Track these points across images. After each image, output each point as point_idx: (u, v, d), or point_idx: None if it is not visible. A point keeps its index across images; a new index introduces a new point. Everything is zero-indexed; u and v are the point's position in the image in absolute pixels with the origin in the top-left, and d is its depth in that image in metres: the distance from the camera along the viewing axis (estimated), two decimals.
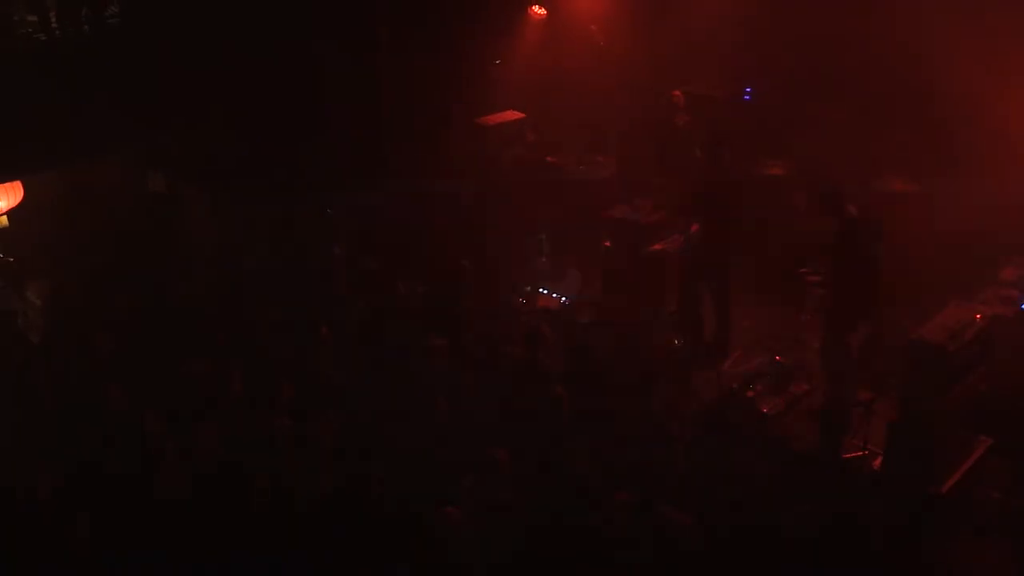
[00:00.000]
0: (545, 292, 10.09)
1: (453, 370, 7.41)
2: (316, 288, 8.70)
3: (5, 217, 9.26)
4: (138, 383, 7.10)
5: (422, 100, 9.75)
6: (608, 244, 9.75)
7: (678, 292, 9.12)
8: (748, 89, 11.28)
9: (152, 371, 7.32)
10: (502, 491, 5.85)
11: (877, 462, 7.02)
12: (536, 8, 11.54)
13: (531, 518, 5.66)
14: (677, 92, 10.73)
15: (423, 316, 8.24)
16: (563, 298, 10.02)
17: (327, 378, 7.30)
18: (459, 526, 5.41)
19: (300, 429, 6.51)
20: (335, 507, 5.85)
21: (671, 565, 5.28)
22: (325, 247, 8.98)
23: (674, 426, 6.62)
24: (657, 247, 9.09)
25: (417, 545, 5.46)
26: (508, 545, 5.51)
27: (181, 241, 9.82)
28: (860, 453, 7.01)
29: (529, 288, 10.11)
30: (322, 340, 7.56)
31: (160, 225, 9.76)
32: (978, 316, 7.18)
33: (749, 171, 10.32)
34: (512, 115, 10.97)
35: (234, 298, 8.71)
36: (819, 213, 7.88)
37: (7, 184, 8.85)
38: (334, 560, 5.50)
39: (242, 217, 9.36)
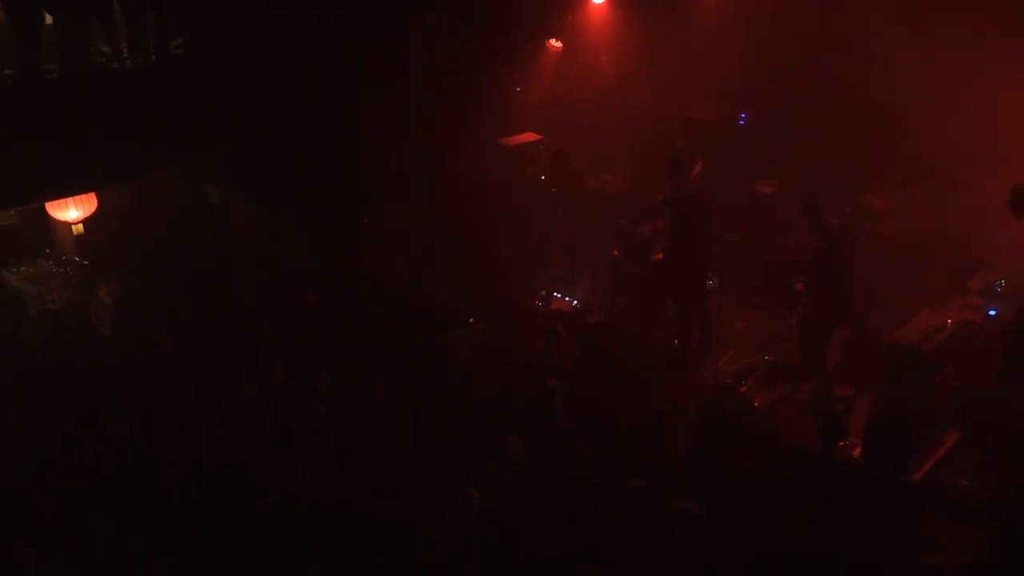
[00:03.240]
0: (559, 296, 10.13)
1: (471, 364, 7.43)
2: (344, 290, 8.72)
3: (81, 225, 9.37)
4: (194, 373, 7.15)
5: (450, 122, 9.80)
6: (617, 253, 9.80)
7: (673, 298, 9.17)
8: (743, 115, 11.29)
9: (205, 361, 7.34)
10: (514, 477, 5.86)
11: (857, 451, 7.03)
12: (553, 41, 11.58)
13: (539, 505, 5.60)
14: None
15: (446, 316, 8.26)
16: (575, 301, 10.06)
17: (350, 374, 7.27)
18: (478, 508, 5.38)
19: (334, 419, 6.52)
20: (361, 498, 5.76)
21: (676, 546, 5.28)
22: (361, 254, 9.04)
23: (674, 418, 6.62)
24: (659, 256, 9.12)
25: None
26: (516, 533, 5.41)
27: (230, 246, 9.89)
28: (842, 443, 7.02)
29: (545, 292, 10.16)
30: (338, 339, 7.55)
31: (212, 231, 9.84)
32: (949, 321, 7.21)
33: (739, 189, 10.38)
34: (531, 136, 11.02)
35: (273, 296, 8.76)
36: (802, 226, 7.92)
37: (83, 196, 8.98)
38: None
39: (285, 225, 9.43)
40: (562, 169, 10.98)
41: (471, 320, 8.08)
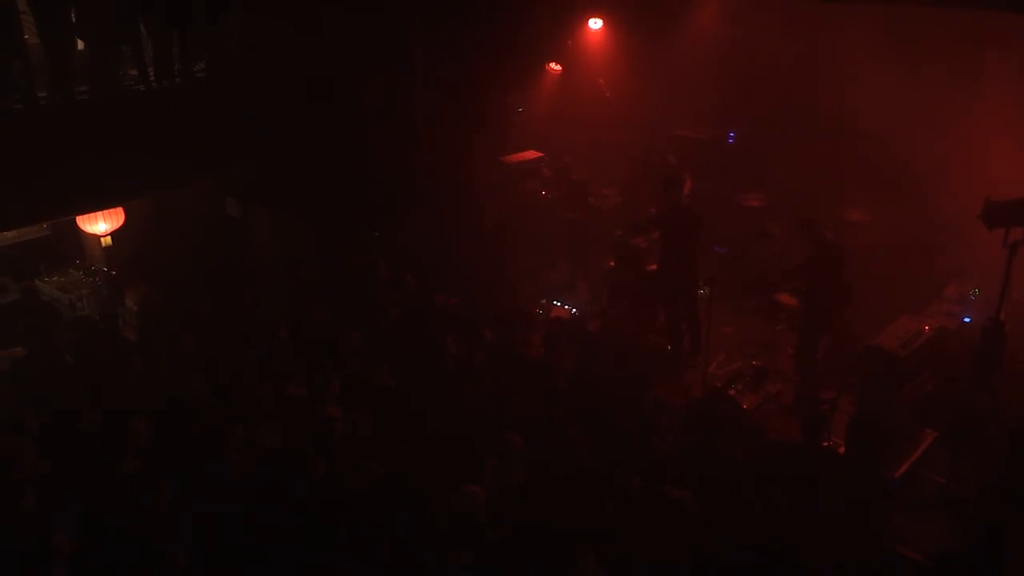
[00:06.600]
0: (558, 304, 10.17)
1: (477, 366, 7.44)
2: (359, 297, 8.74)
3: (109, 237, 9.43)
4: (215, 374, 7.15)
5: (456, 141, 9.86)
6: (612, 263, 9.84)
7: (663, 306, 9.22)
8: (731, 133, 11.37)
9: (225, 364, 7.33)
10: (517, 472, 5.85)
11: (841, 450, 7.03)
12: (553, 65, 11.66)
13: (541, 496, 5.57)
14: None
15: (453, 322, 8.30)
16: (573, 309, 10.11)
17: (364, 376, 7.24)
18: (482, 503, 5.36)
19: (346, 419, 6.49)
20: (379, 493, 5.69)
21: (670, 533, 5.32)
22: (370, 264, 9.08)
23: (664, 418, 6.65)
24: (653, 266, 9.17)
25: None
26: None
27: (248, 256, 9.94)
28: (826, 443, 7.04)
29: (545, 300, 10.20)
30: (354, 343, 7.54)
31: (232, 243, 9.92)
32: (926, 327, 7.24)
33: (728, 203, 10.45)
34: (532, 154, 11.09)
35: (290, 304, 8.79)
36: (798, 238, 7.96)
37: (112, 210, 9.05)
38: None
39: (299, 237, 9.50)
40: (564, 180, 11.07)
41: (479, 328, 8.11)
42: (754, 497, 5.72)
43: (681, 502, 5.48)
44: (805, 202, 9.00)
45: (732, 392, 8.18)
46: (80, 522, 5.31)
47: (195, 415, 6.50)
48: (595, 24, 11.37)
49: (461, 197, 10.08)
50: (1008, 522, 5.65)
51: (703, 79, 10.79)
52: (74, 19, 7.53)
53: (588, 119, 11.84)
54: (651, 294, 9.28)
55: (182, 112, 8.26)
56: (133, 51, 7.99)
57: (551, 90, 11.70)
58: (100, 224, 9.09)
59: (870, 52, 8.94)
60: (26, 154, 7.28)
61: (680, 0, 10.88)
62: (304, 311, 8.35)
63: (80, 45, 7.72)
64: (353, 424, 6.40)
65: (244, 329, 8.03)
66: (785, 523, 5.55)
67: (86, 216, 8.97)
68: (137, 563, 5.00)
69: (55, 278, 9.85)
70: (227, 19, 8.34)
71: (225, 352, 7.54)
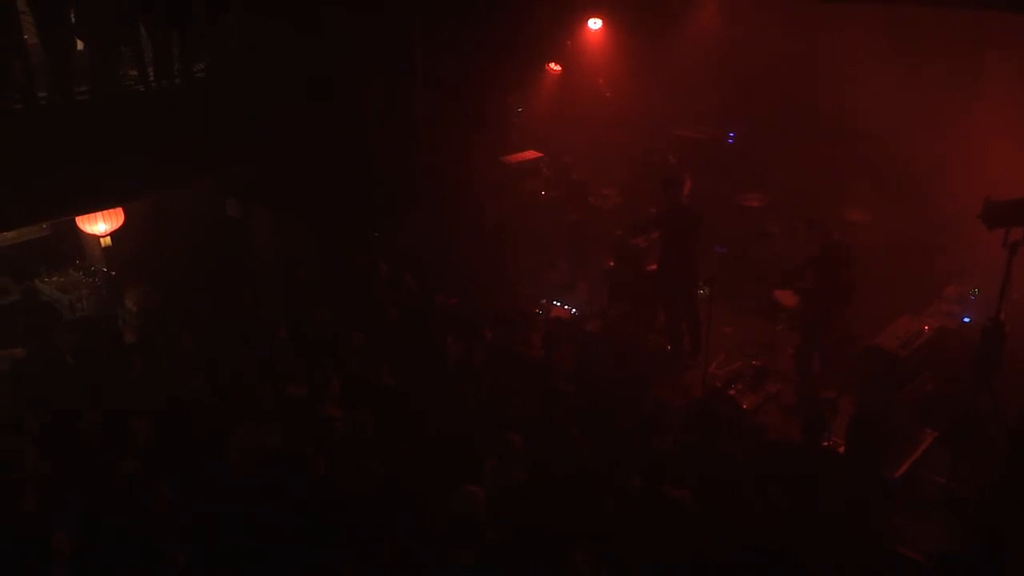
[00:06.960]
0: (558, 304, 10.18)
1: (477, 366, 7.44)
2: (359, 297, 8.74)
3: (109, 237, 9.43)
4: (215, 374, 7.16)
5: (456, 141, 9.87)
6: (612, 263, 9.85)
7: (663, 306, 9.22)
8: (731, 133, 11.38)
9: (225, 364, 7.31)
10: (517, 472, 5.85)
11: (841, 451, 7.03)
12: (553, 65, 11.66)
13: (541, 496, 5.56)
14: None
15: (453, 322, 8.31)
16: (573, 309, 10.11)
17: (364, 376, 7.22)
18: (482, 503, 5.35)
19: (346, 419, 6.47)
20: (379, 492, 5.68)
21: (670, 533, 5.32)
22: (370, 264, 9.08)
23: (664, 418, 6.64)
24: (653, 267, 9.17)
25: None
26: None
27: (248, 256, 9.94)
28: (826, 443, 7.04)
29: (545, 300, 10.20)
30: (354, 343, 7.54)
31: (232, 243, 9.92)
32: (926, 327, 7.24)
33: (728, 203, 10.46)
34: (532, 154, 11.09)
35: (290, 304, 8.78)
36: (805, 237, 7.97)
37: (112, 210, 9.05)
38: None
39: (299, 237, 9.50)
40: (564, 180, 11.06)
41: (479, 328, 8.11)
42: (754, 497, 5.71)
43: (681, 502, 5.48)
44: (805, 202, 9.01)
45: (732, 392, 8.19)
46: (80, 522, 5.30)
47: (195, 415, 6.50)
48: (595, 24, 11.38)
49: (461, 197, 10.08)
50: (1008, 522, 5.65)
51: (703, 79, 10.80)
52: (74, 19, 7.53)
53: (588, 119, 11.85)
54: (651, 294, 9.29)
55: (182, 112, 8.25)
56: (133, 51, 7.99)
57: (551, 90, 11.71)
58: (100, 224, 9.07)
59: (870, 52, 8.96)
60: (26, 154, 7.28)
61: (680, 0, 10.89)
62: (304, 311, 8.35)
63: (80, 45, 7.71)
64: (353, 424, 6.39)
65: (244, 329, 8.02)
66: (785, 523, 5.55)
67: (86, 216, 8.95)
68: (137, 563, 4.99)
69: (55, 278, 9.84)
70: (227, 19, 8.35)
71: (225, 352, 7.54)
